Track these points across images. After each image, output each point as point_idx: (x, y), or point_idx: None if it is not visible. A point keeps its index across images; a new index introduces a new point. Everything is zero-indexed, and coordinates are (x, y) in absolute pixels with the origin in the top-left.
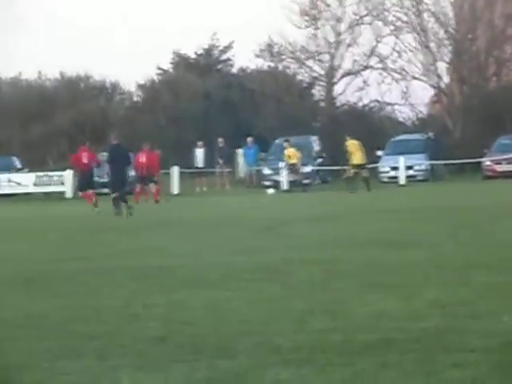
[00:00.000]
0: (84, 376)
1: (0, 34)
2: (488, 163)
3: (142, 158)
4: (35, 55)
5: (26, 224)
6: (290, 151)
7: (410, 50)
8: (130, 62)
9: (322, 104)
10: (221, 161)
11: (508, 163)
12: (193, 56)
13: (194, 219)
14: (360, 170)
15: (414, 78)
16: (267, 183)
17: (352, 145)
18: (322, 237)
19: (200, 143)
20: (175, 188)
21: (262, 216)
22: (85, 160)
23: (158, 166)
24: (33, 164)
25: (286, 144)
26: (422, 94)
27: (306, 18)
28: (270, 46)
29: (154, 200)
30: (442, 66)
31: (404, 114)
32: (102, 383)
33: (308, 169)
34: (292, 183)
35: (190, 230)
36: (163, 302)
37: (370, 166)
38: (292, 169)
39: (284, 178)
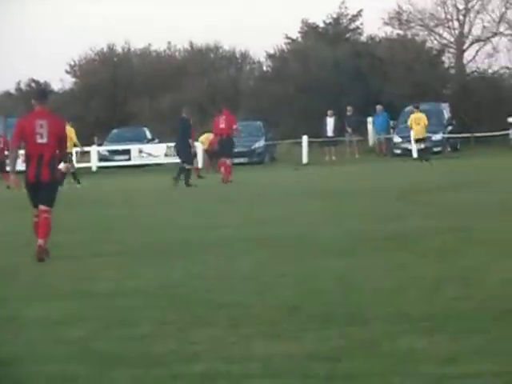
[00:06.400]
0: (216, 345)
1: (129, 5)
2: None
3: None
4: (164, 26)
5: (158, 194)
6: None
7: None
8: (259, 31)
9: (452, 71)
10: (349, 129)
11: None
12: (321, 25)
13: (326, 188)
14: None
15: None
16: (397, 151)
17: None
18: (454, 205)
19: (330, 112)
20: (304, 157)
21: (394, 184)
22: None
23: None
24: (163, 135)
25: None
26: None
27: None
28: (398, 13)
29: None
30: None
31: None
32: (234, 352)
33: (438, 136)
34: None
35: (321, 199)
36: (295, 271)
37: (503, 133)
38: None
39: (413, 145)
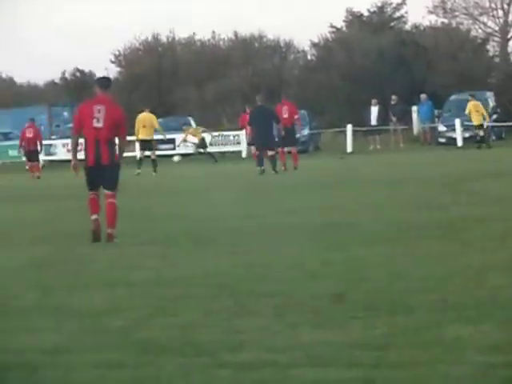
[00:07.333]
0: (261, 334)
1: None
2: None
3: None
4: (209, 15)
5: (201, 183)
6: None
7: None
8: (304, 21)
9: (497, 60)
10: (394, 118)
11: None
12: (366, 14)
13: (370, 176)
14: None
15: None
16: (442, 140)
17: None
18: (501, 193)
19: (374, 101)
20: (349, 146)
21: (439, 172)
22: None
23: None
24: (208, 124)
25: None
26: None
27: None
28: (443, 2)
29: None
30: None
31: None
32: (279, 341)
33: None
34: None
35: (366, 188)
36: (340, 259)
37: None
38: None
39: (458, 134)
